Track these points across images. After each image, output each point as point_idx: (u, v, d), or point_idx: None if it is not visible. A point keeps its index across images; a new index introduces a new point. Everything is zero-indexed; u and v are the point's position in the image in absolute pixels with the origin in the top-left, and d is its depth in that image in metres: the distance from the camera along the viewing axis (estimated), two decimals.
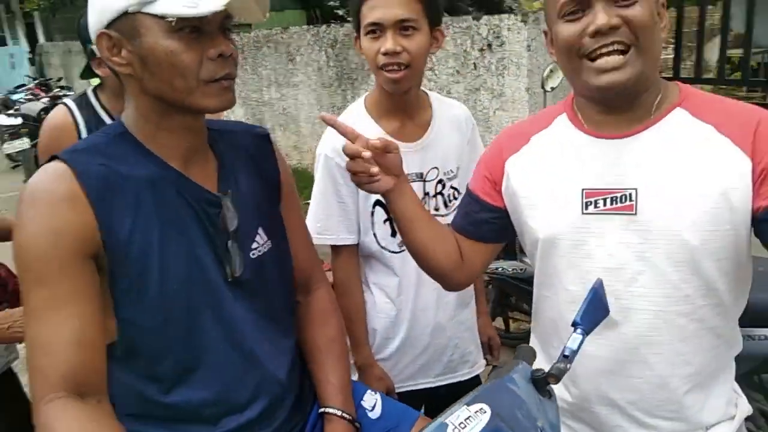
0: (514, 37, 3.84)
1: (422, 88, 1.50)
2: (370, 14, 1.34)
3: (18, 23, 15.36)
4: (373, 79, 5.45)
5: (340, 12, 7.69)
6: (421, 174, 1.47)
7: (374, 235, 1.46)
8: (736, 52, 7.29)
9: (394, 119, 1.45)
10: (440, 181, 1.50)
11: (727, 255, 0.97)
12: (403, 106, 1.45)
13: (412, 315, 1.50)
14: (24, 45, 15.20)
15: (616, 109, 1.01)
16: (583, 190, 1.02)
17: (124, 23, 0.89)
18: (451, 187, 1.51)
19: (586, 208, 1.02)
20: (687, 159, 0.97)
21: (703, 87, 7.23)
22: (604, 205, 1.01)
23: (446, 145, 1.49)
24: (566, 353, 0.88)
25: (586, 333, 0.90)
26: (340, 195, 1.44)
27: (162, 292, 0.93)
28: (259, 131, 1.17)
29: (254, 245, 1.06)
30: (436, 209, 1.50)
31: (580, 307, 0.92)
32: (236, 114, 7.11)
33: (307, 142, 6.25)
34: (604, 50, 0.93)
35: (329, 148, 1.42)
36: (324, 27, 5.74)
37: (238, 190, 1.05)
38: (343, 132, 1.08)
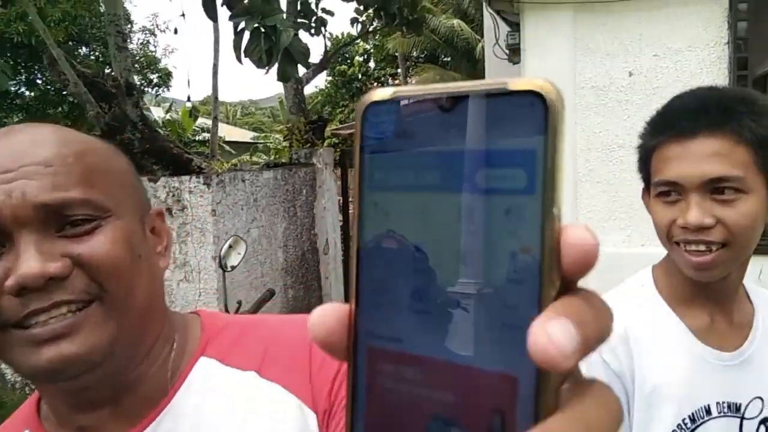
0: (197, 200, 3.47)
1: None
2: (664, 169, 0.91)
3: None
4: None
5: None
6: (738, 406, 0.94)
7: None
8: None
9: (702, 311, 0.98)
10: (765, 421, 0.96)
11: None
12: (716, 294, 0.98)
13: None
14: None
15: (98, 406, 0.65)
16: None
17: None
18: None
19: None
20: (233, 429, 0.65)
21: None
22: None
23: None
24: None
25: None
26: None
27: None
28: None
29: None
30: None
31: None
32: None
33: None
34: None
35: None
36: None
37: None
38: None
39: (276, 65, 3.14)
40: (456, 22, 14.93)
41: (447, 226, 0.25)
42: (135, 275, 0.62)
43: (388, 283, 0.26)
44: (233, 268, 2.07)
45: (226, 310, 2.00)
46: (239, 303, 2.12)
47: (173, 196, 3.53)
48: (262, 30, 3.02)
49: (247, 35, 3.09)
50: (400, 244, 0.26)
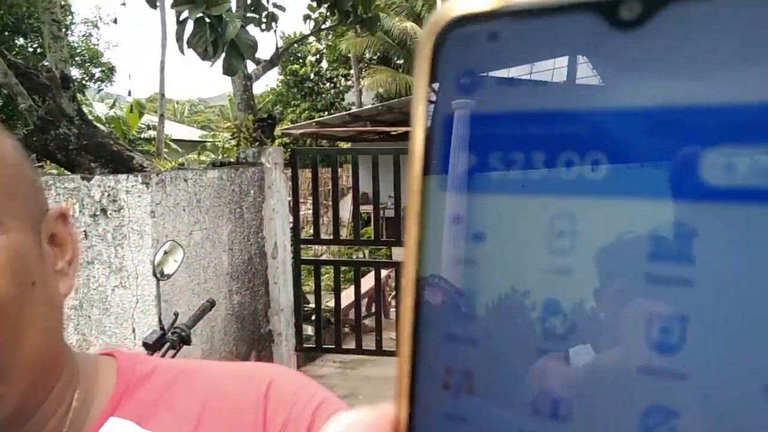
0: (135, 201, 3.24)
1: None
2: None
3: None
4: None
5: None
6: None
7: None
8: (366, 209, 8.03)
9: None
10: None
11: None
12: None
13: None
14: None
15: None
16: None
17: None
18: None
19: None
20: None
21: (340, 249, 7.69)
22: None
23: None
24: None
25: None
26: None
27: None
28: None
29: None
30: None
31: None
32: None
33: None
34: None
35: None
36: None
37: None
38: None
39: (222, 58, 2.96)
40: (409, 25, 14.90)
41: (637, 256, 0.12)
42: (25, 314, 0.43)
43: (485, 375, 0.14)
44: (169, 276, 1.88)
45: (160, 324, 1.82)
46: (176, 315, 1.93)
47: (108, 195, 3.29)
48: (207, 20, 2.83)
49: (191, 25, 2.90)
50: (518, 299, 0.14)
